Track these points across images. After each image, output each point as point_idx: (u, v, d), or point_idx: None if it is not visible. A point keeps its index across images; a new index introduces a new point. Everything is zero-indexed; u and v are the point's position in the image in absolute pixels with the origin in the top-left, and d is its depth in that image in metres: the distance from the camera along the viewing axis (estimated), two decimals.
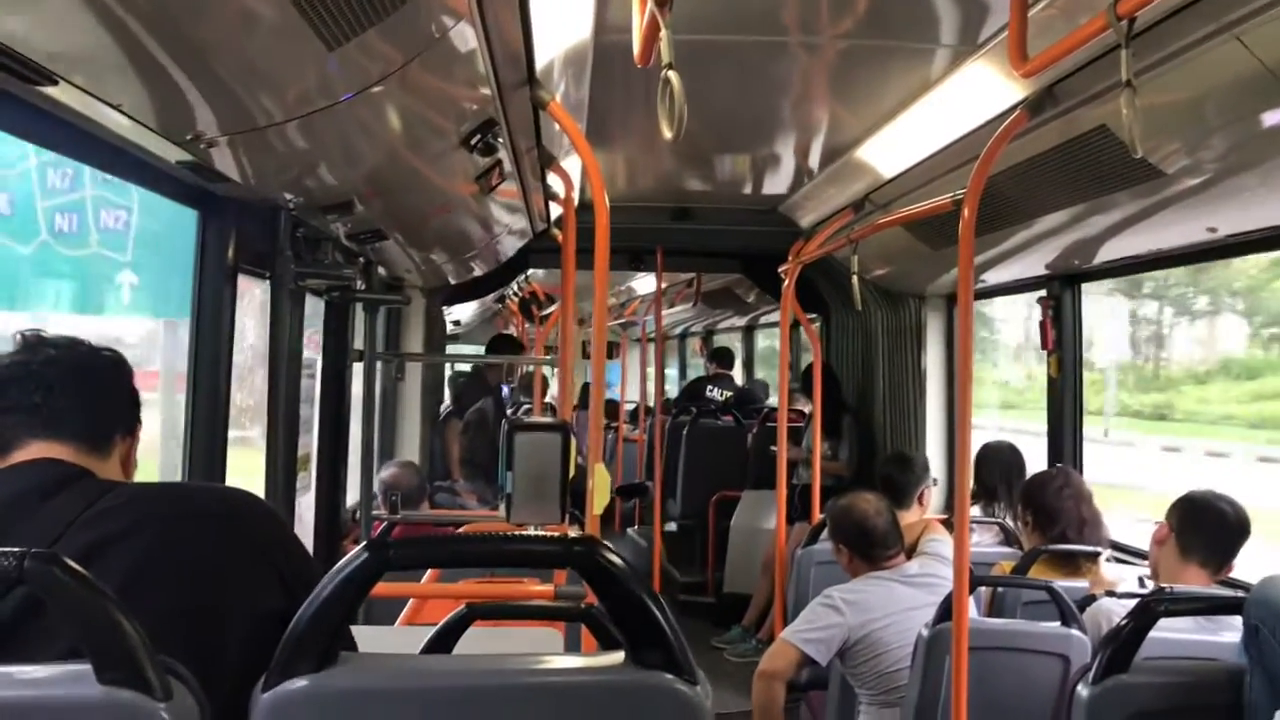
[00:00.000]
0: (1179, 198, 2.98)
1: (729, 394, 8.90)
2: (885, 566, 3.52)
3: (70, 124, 1.95)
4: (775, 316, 6.59)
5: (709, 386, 9.13)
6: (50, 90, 1.73)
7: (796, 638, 3.42)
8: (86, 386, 1.61)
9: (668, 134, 1.96)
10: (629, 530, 8.75)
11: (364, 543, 1.11)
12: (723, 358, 9.59)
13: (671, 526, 8.07)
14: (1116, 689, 2.02)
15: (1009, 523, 4.21)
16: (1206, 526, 2.89)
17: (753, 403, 8.86)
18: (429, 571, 3.08)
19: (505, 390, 7.94)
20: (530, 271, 7.46)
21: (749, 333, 11.40)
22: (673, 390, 12.93)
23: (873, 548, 3.55)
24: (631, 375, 14.87)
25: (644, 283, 10.37)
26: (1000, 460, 4.48)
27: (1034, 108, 2.84)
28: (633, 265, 6.88)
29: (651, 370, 14.61)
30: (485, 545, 1.12)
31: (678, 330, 12.69)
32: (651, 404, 9.16)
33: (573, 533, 2.85)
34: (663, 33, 1.98)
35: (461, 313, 9.70)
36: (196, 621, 1.45)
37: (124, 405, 1.68)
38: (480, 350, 9.38)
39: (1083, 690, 2.05)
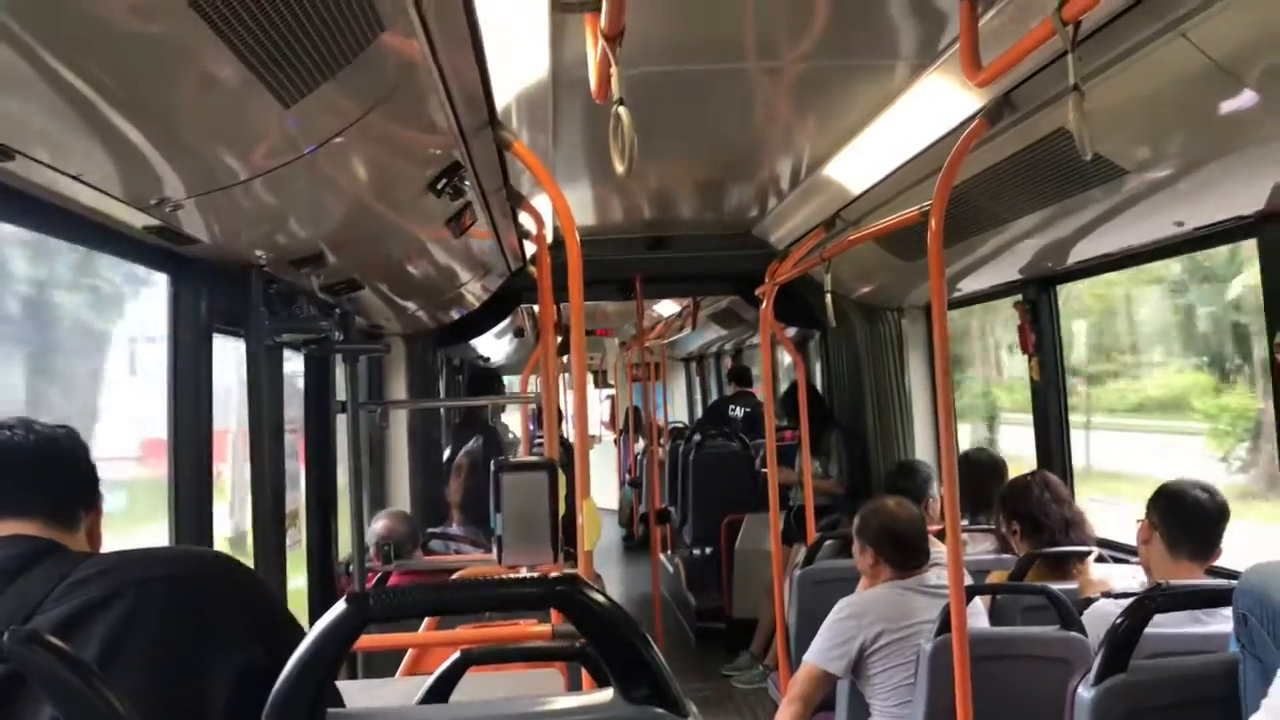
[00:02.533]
0: (1143, 194, 3.01)
1: (747, 410, 8.89)
2: (908, 575, 3.47)
3: (31, 196, 1.95)
4: (790, 332, 6.62)
5: (730, 406, 9.13)
6: (8, 165, 1.73)
7: (818, 658, 3.39)
8: (47, 464, 1.62)
9: (619, 169, 1.97)
10: (662, 556, 8.71)
11: (345, 596, 1.11)
12: (742, 376, 9.61)
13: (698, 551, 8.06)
14: (1116, 689, 2.02)
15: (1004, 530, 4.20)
16: (1188, 518, 2.89)
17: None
18: (426, 620, 3.07)
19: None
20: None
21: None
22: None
23: (899, 552, 3.46)
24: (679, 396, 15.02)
25: (666, 304, 10.42)
26: (985, 468, 4.48)
27: (992, 116, 2.86)
28: (615, 295, 6.89)
29: (684, 392, 14.84)
30: (467, 591, 1.12)
31: (712, 350, 12.73)
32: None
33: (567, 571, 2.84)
34: (614, 69, 2.00)
35: (494, 350, 9.69)
36: (178, 685, 1.45)
37: (84, 480, 1.69)
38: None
39: (1084, 692, 2.04)
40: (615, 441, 14.20)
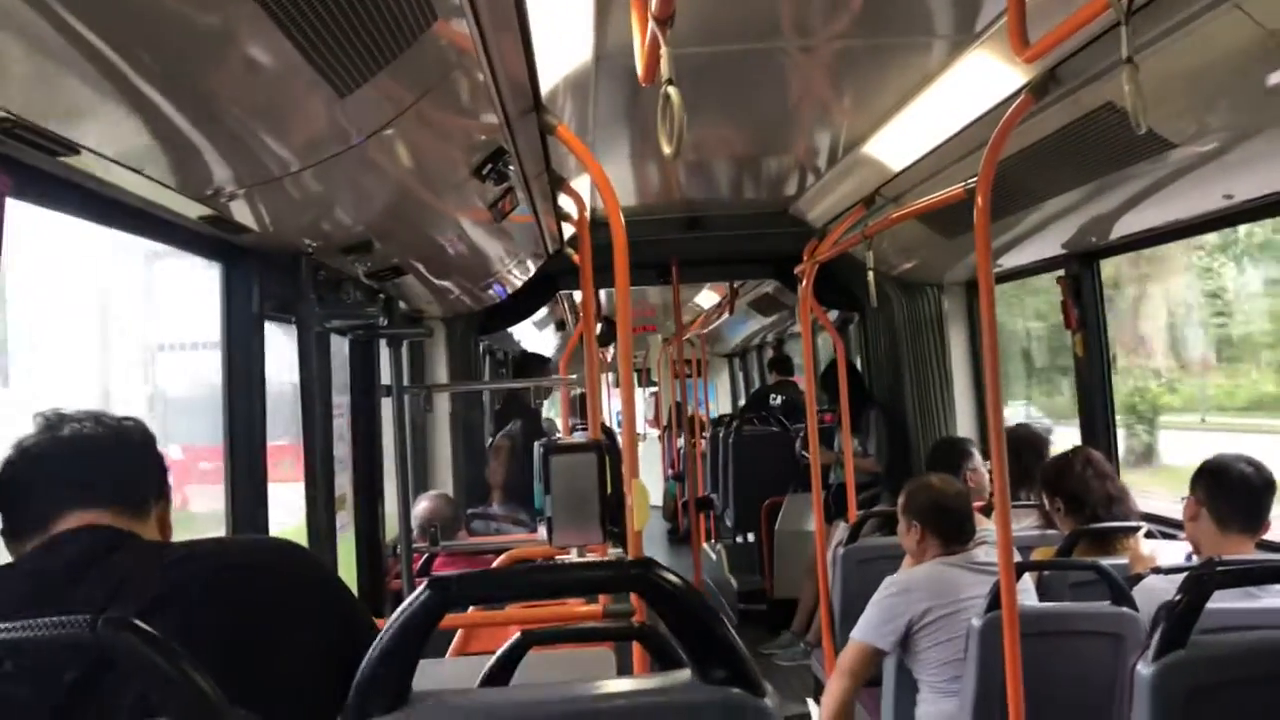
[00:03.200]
0: (1192, 167, 2.98)
1: (785, 398, 8.93)
2: (955, 551, 3.46)
3: (92, 191, 1.98)
4: (830, 317, 6.60)
5: (771, 395, 9.17)
6: (71, 159, 1.76)
7: (867, 635, 3.40)
8: (116, 456, 1.64)
9: (667, 150, 1.98)
10: (705, 545, 8.76)
11: (425, 580, 1.13)
12: (783, 365, 9.64)
13: (740, 538, 8.10)
14: (1176, 665, 2.01)
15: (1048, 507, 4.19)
16: (1235, 492, 2.88)
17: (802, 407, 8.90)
18: None
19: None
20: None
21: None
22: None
23: (947, 527, 3.45)
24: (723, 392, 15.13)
25: (706, 296, 10.46)
26: (1028, 444, 4.46)
27: (1038, 91, 2.84)
28: (652, 279, 6.90)
29: (728, 387, 14.93)
30: (545, 575, 1.13)
31: (754, 344, 12.78)
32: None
33: (612, 551, 2.87)
34: (663, 50, 2.01)
35: (539, 342, 9.75)
36: (254, 669, 1.48)
37: (153, 470, 1.71)
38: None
39: (1143, 669, 2.04)
40: (659, 437, 14.28)
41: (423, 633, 1.09)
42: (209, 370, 2.75)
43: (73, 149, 1.69)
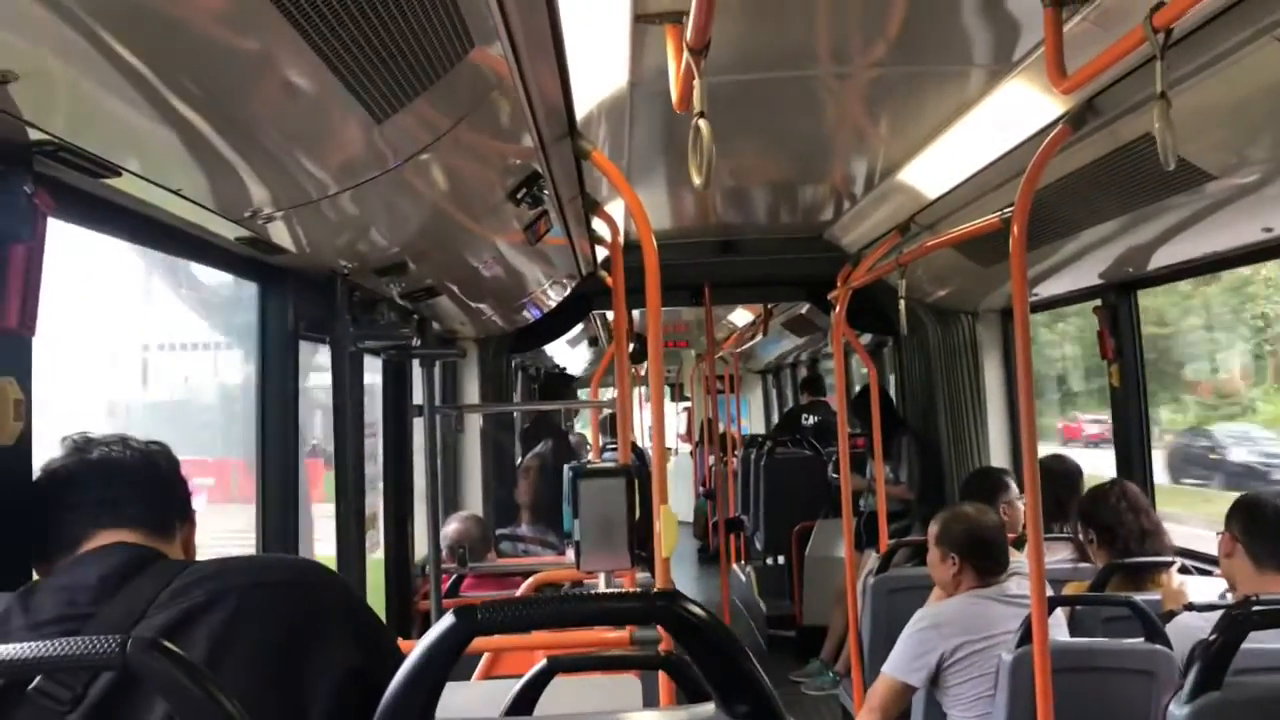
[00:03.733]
0: (1230, 199, 2.95)
1: (818, 419, 8.88)
2: (989, 584, 3.43)
3: (131, 211, 2.01)
4: (864, 339, 6.58)
5: (804, 415, 9.13)
6: (114, 182, 1.79)
7: (897, 670, 3.36)
8: (143, 478, 1.67)
9: (697, 181, 1.99)
10: (735, 565, 8.72)
11: (453, 605, 1.13)
12: (815, 385, 9.60)
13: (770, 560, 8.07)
14: (1211, 707, 1.98)
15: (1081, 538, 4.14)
16: (1271, 529, 2.83)
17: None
18: None
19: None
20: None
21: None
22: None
23: (986, 560, 3.41)
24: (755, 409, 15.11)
25: (740, 314, 10.47)
26: (1059, 476, 4.41)
27: (1076, 121, 2.83)
28: (685, 301, 6.90)
29: (761, 403, 14.89)
30: (570, 606, 1.13)
31: (788, 361, 12.78)
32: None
33: (640, 577, 2.85)
34: (697, 81, 2.02)
35: (571, 361, 9.76)
36: (280, 688, 1.48)
37: (179, 493, 1.73)
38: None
39: (1176, 710, 2.01)
40: (691, 454, 14.26)
41: (448, 660, 1.09)
42: (182, 375, 2.74)
43: (114, 171, 1.72)
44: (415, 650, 1.08)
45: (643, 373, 12.00)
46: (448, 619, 1.07)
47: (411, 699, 1.08)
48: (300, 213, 2.23)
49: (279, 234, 2.35)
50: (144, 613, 1.49)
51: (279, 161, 1.96)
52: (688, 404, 15.67)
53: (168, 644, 1.13)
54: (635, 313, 7.70)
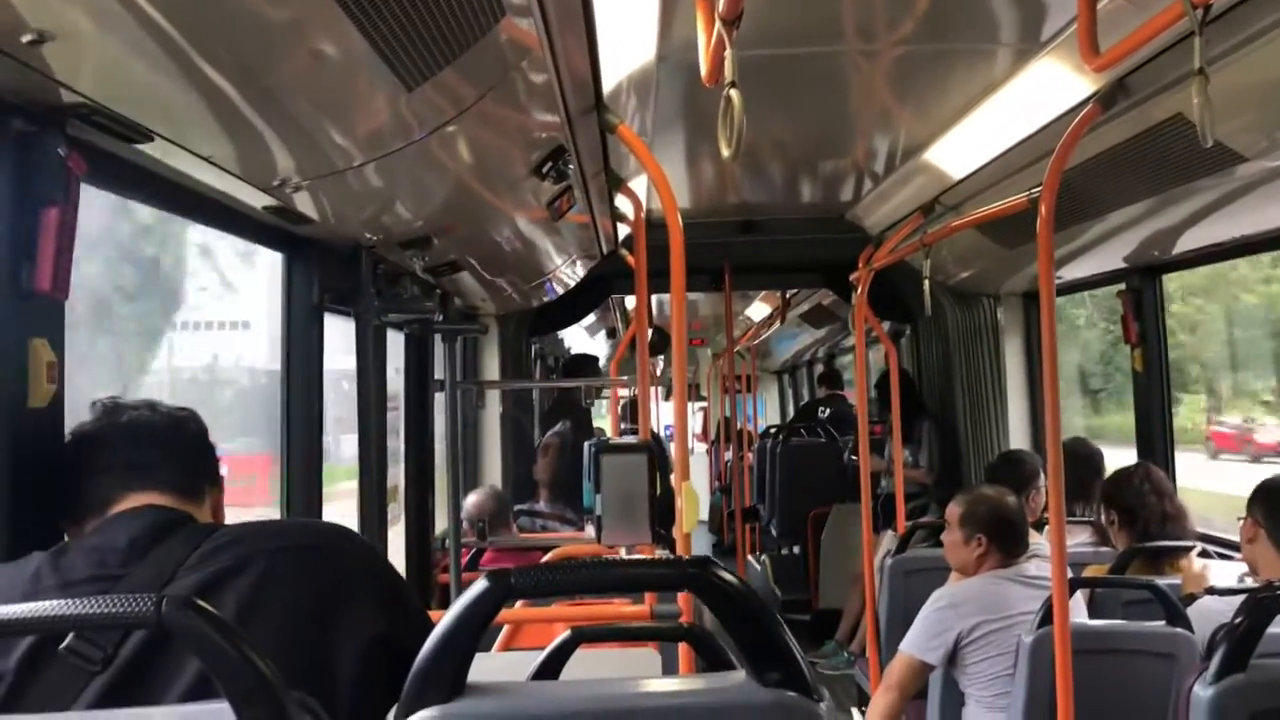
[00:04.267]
0: (1261, 182, 2.92)
1: (833, 410, 8.93)
2: (1009, 564, 3.43)
3: (161, 177, 2.02)
4: (884, 327, 6.55)
5: (820, 408, 9.20)
6: (145, 147, 1.79)
7: (915, 649, 3.37)
8: (171, 442, 1.67)
9: (726, 152, 1.98)
10: (750, 556, 8.75)
11: (476, 575, 1.13)
12: (832, 379, 9.64)
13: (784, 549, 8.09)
14: (1236, 688, 1.97)
15: (1102, 522, 4.12)
16: None
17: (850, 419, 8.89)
18: None
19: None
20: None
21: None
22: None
23: (1010, 540, 3.43)
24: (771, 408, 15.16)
25: (756, 309, 10.48)
26: (1082, 459, 4.39)
27: (1106, 101, 2.80)
28: (704, 285, 6.88)
29: (776, 403, 14.90)
30: (603, 570, 1.13)
31: (804, 359, 12.78)
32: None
33: (660, 553, 2.86)
34: (728, 51, 2.00)
35: (589, 349, 9.79)
36: (308, 652, 1.49)
37: (207, 459, 1.74)
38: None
39: (1200, 691, 2.00)
40: (707, 451, 14.31)
41: (481, 624, 1.10)
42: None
43: (146, 135, 1.73)
44: (449, 613, 1.09)
45: (658, 370, 12.03)
46: (481, 582, 1.07)
47: (445, 661, 1.08)
48: (326, 182, 2.24)
49: (305, 204, 2.35)
50: (173, 575, 1.50)
51: (307, 130, 1.96)
52: (704, 403, 15.72)
53: (202, 603, 1.14)
54: (652, 303, 7.70)
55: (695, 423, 15.91)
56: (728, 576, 1.11)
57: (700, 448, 14.85)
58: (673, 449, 2.61)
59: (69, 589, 1.47)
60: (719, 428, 13.04)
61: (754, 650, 1.13)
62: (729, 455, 11.13)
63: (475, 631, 1.10)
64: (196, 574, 1.49)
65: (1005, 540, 3.41)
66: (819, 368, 11.48)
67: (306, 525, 1.99)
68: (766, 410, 15.06)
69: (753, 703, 1.10)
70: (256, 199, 2.25)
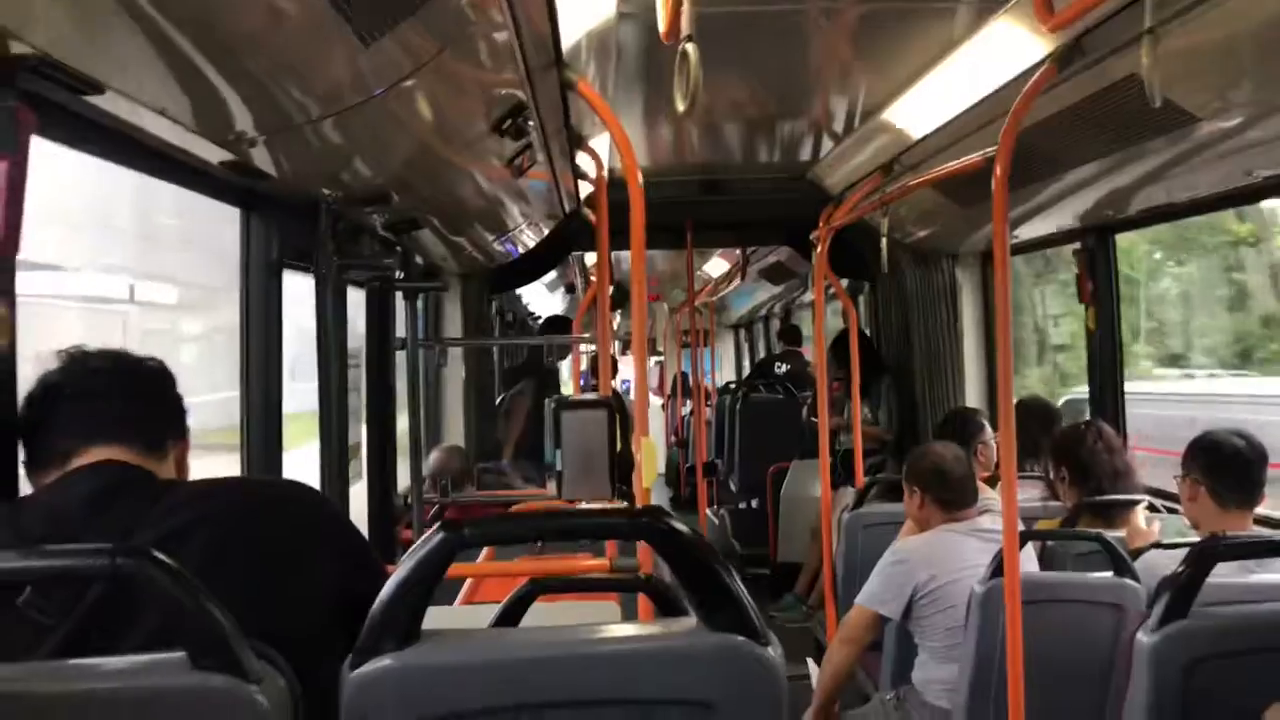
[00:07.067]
0: (1214, 142, 2.96)
1: (790, 367, 9.00)
2: (958, 518, 3.50)
3: (115, 131, 1.99)
4: (843, 285, 6.59)
5: (777, 363, 9.24)
6: (97, 99, 1.77)
7: (872, 601, 3.44)
8: (136, 393, 1.67)
9: (681, 106, 1.98)
10: (708, 510, 8.82)
11: (437, 524, 1.15)
12: (791, 335, 9.72)
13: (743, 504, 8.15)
14: (1177, 635, 2.03)
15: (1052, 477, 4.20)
16: (1230, 468, 2.89)
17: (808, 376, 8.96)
18: (484, 551, 3.13)
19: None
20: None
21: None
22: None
23: (948, 492, 3.51)
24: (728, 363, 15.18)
25: (715, 265, 10.48)
26: (1036, 417, 4.46)
27: (1062, 61, 2.82)
28: (666, 242, 6.89)
29: (733, 357, 14.93)
30: (556, 520, 1.16)
31: (760, 314, 12.80)
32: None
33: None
34: (685, 6, 2.00)
35: (549, 304, 9.73)
36: (268, 603, 1.51)
37: (173, 410, 1.73)
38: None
39: (1143, 637, 2.06)
40: (663, 406, 14.35)
41: (435, 573, 1.11)
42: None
43: (97, 88, 1.70)
44: (404, 561, 1.11)
45: (615, 325, 12.01)
46: (436, 532, 1.09)
47: (400, 609, 1.10)
48: (283, 137, 2.22)
49: (262, 159, 2.33)
50: (131, 531, 1.50)
51: (263, 83, 1.94)
52: (660, 358, 15.72)
53: (157, 553, 1.15)
54: (612, 259, 7.68)
55: (653, 376, 15.93)
56: (678, 524, 1.13)
57: (657, 402, 14.91)
58: (631, 404, 2.63)
59: (26, 544, 1.47)
60: (675, 382, 13.09)
61: (703, 596, 1.15)
62: (685, 410, 11.17)
63: (429, 580, 1.12)
64: (155, 530, 1.50)
65: (941, 492, 3.49)
66: (775, 323, 11.53)
67: (266, 482, 2.00)
68: (722, 365, 15.09)
69: (701, 646, 1.13)
70: (213, 154, 2.23)
